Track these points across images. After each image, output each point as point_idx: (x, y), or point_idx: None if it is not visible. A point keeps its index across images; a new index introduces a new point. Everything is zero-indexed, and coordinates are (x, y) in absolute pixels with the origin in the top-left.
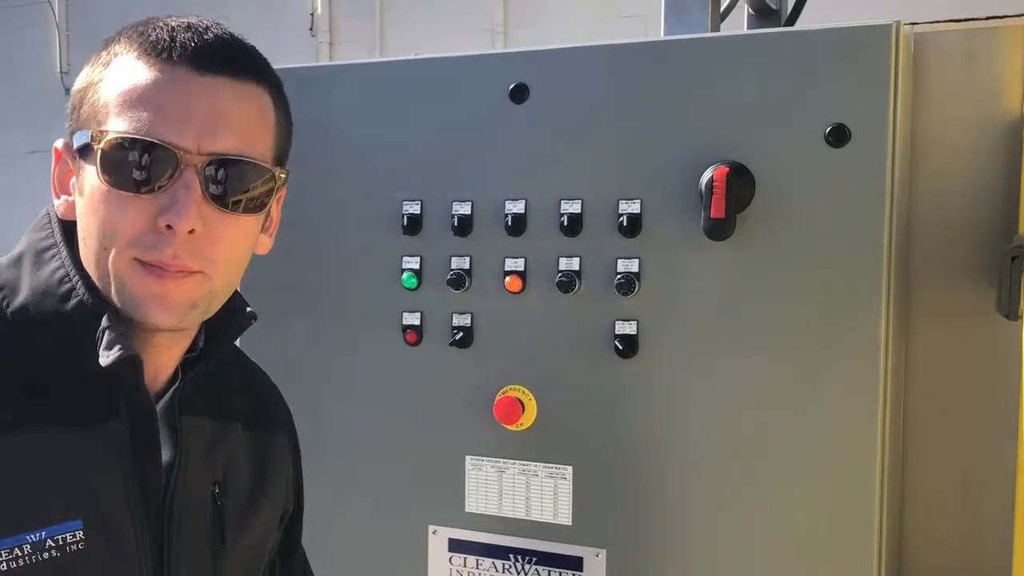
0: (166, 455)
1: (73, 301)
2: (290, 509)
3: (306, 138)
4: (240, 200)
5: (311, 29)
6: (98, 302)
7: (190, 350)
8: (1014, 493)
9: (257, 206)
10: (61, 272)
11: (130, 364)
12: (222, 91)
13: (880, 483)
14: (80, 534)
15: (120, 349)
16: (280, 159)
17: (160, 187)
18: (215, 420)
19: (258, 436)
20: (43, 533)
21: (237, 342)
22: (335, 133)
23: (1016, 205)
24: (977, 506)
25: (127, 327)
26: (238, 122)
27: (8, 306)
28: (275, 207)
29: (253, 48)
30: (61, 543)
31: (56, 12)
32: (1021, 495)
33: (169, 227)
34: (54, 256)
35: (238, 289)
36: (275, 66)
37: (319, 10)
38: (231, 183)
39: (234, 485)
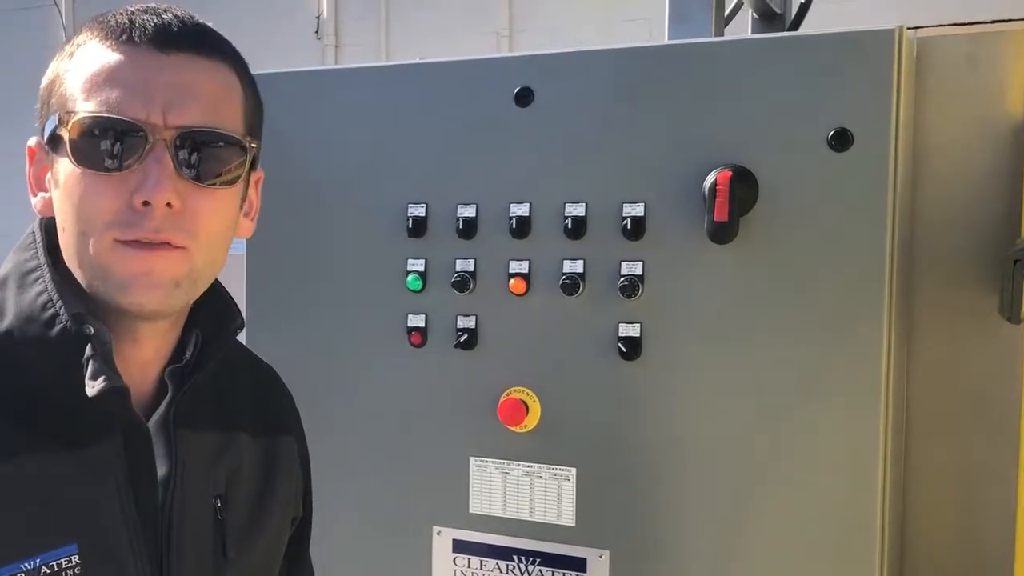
0: (162, 471)
1: (57, 328)
2: (299, 516)
3: (311, 141)
4: (213, 172)
5: (317, 32)
6: (81, 329)
7: (178, 360)
8: (1015, 495)
9: (231, 179)
10: (44, 297)
11: (116, 395)
12: (186, 66)
13: (882, 485)
14: (76, 559)
15: (105, 380)
16: (251, 133)
17: (131, 164)
18: (218, 431)
19: (266, 443)
20: (37, 560)
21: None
22: (340, 136)
23: (1019, 209)
24: (979, 508)
25: (110, 338)
26: (204, 95)
27: None
28: (254, 190)
29: (213, 28)
30: (56, 569)
31: (63, 14)
32: (1022, 497)
33: (146, 203)
34: (38, 279)
35: (230, 294)
36: (281, 69)
37: (325, 14)
38: (202, 155)
39: (238, 498)
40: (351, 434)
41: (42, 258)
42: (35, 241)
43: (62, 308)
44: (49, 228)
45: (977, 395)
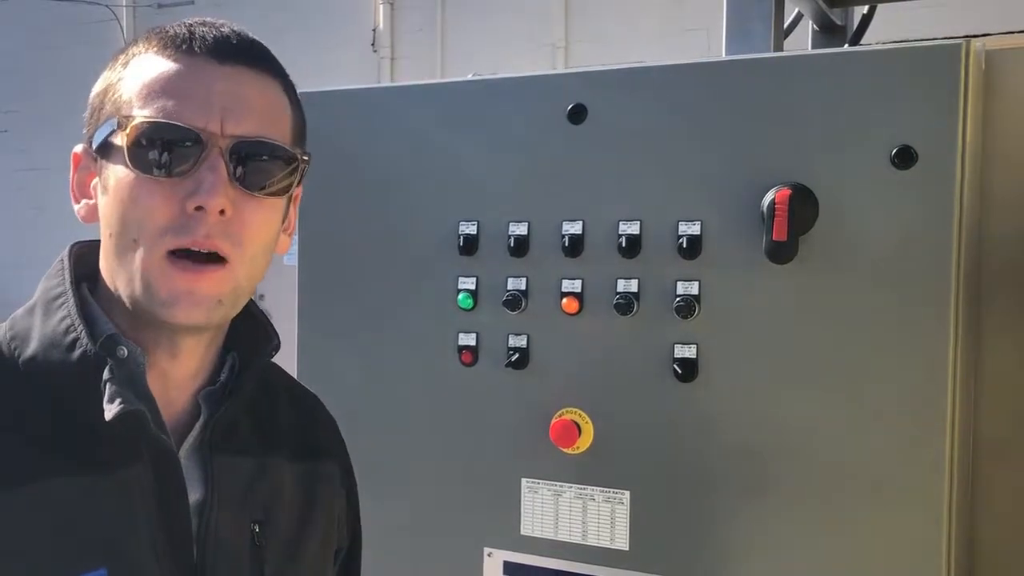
0: (197, 496)
1: (78, 351)
2: (345, 545)
3: (364, 158)
4: (264, 182)
5: (372, 45)
6: (107, 352)
7: (212, 383)
8: None
9: (281, 189)
10: (67, 322)
11: (134, 418)
12: (242, 78)
13: (948, 508)
14: None
15: (121, 403)
16: (297, 146)
17: (187, 171)
18: (256, 456)
19: (306, 468)
20: None
21: (286, 367)
22: (393, 153)
23: None
24: None
25: (144, 359)
26: (259, 107)
27: (20, 356)
28: (293, 207)
29: (266, 46)
30: None
31: (124, 30)
32: None
33: (199, 208)
34: (62, 304)
35: (267, 316)
36: (337, 82)
37: (381, 26)
38: (256, 165)
39: (277, 524)
40: (401, 453)
41: (67, 284)
42: (63, 268)
43: (83, 332)
44: (79, 255)
45: None
